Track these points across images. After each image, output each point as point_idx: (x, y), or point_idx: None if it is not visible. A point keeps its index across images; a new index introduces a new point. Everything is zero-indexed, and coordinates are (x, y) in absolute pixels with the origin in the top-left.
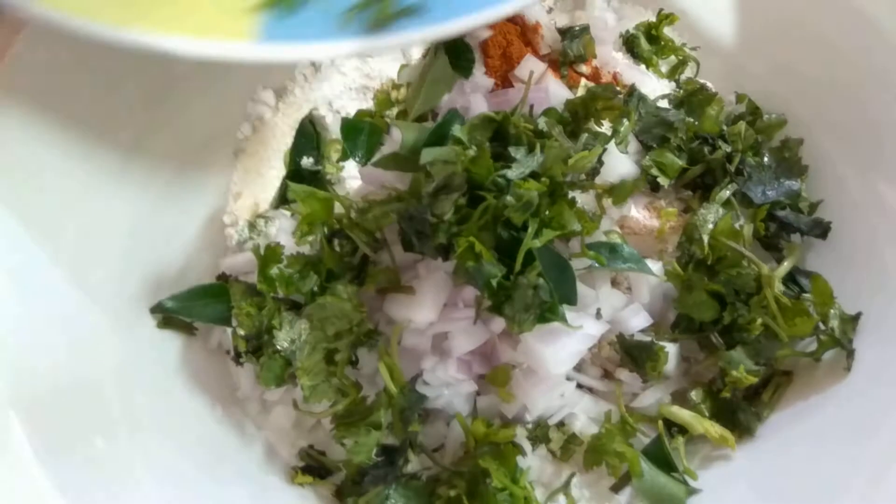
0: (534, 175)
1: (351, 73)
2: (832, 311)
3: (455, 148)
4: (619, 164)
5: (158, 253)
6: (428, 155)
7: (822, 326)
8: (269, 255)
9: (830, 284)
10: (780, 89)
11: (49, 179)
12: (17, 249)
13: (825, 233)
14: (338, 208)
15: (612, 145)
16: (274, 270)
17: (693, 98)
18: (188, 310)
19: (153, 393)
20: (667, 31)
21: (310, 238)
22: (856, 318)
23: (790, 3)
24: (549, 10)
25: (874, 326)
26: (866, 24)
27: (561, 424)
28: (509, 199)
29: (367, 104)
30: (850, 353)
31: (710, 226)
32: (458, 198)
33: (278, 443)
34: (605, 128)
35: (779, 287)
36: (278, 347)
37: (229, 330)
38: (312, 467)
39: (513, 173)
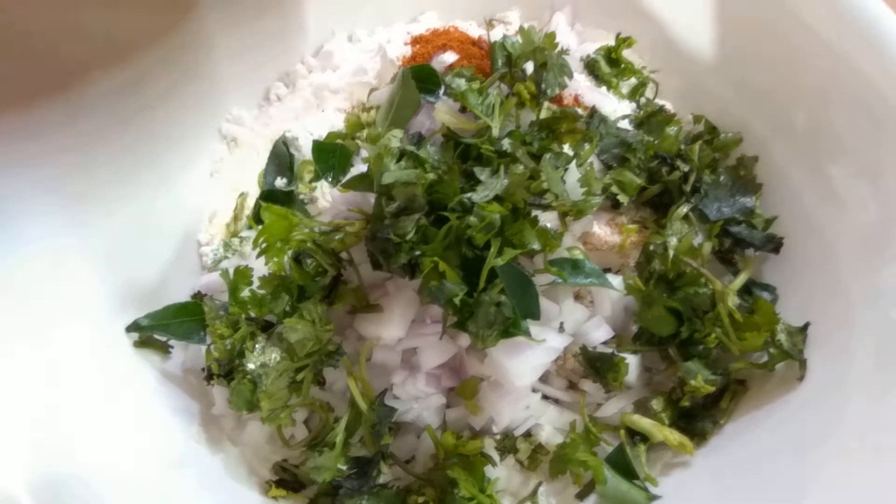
0: (497, 198)
1: (325, 97)
2: (778, 326)
3: (416, 170)
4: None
5: (135, 273)
6: (389, 177)
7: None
8: (239, 277)
9: (780, 297)
10: (736, 108)
11: (25, 204)
12: None
13: (777, 248)
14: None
15: (573, 165)
16: (245, 292)
17: (652, 119)
18: (163, 328)
19: (130, 411)
20: (627, 53)
21: (275, 258)
22: (804, 329)
23: (746, 26)
24: (515, 34)
25: (825, 336)
26: (820, 45)
27: (528, 435)
28: (473, 219)
29: (339, 125)
30: (803, 363)
31: (676, 241)
32: (420, 218)
33: (253, 457)
34: (566, 148)
35: (734, 300)
36: (247, 370)
37: (204, 347)
38: (286, 481)
39: (478, 196)
